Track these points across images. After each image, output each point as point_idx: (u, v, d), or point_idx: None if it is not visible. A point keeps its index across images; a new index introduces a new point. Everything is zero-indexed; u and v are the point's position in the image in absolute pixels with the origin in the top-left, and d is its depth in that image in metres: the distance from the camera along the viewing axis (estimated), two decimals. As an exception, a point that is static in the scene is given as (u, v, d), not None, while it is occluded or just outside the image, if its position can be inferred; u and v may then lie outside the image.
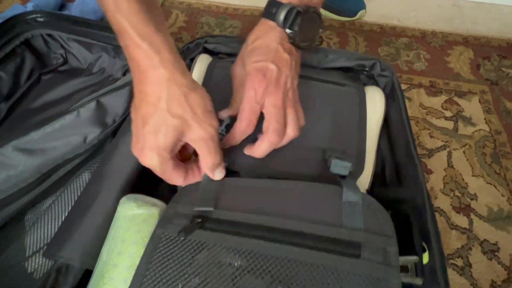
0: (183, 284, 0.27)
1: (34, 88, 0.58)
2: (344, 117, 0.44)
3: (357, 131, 0.42)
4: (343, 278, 0.27)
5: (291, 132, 0.36)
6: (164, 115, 0.29)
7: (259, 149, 0.35)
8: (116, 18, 0.29)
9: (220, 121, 0.37)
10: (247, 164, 0.38)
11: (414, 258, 0.31)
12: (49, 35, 0.59)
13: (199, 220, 0.30)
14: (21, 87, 0.57)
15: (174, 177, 0.32)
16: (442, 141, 0.64)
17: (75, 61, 0.62)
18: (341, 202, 0.31)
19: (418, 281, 0.31)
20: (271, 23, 0.37)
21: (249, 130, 0.35)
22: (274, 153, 0.36)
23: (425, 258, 0.33)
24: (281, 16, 0.36)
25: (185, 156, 0.36)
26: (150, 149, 0.30)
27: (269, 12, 0.38)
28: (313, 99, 0.44)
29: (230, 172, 0.36)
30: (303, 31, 0.37)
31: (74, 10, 0.77)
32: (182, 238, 0.29)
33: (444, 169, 0.60)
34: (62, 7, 0.83)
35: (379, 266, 0.28)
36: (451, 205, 0.57)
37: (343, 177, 0.35)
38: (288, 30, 0.37)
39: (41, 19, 0.58)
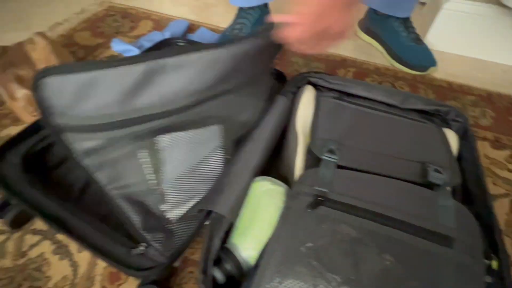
0: (313, 242, 0.37)
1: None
2: (431, 140, 0.52)
3: (446, 151, 0.50)
4: (435, 260, 0.35)
5: None
6: None
7: None
8: None
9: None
10: (357, 163, 0.46)
11: (485, 260, 0.38)
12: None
13: (321, 199, 0.40)
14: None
15: None
16: (505, 189, 0.70)
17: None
18: (437, 204, 0.39)
19: (488, 279, 0.38)
20: None
21: None
22: (380, 159, 0.46)
23: (493, 265, 0.39)
24: None
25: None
26: None
27: None
28: (403, 128, 0.54)
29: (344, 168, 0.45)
30: None
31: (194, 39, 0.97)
32: (309, 210, 0.39)
33: (506, 214, 0.66)
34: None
35: (467, 256, 0.35)
36: (512, 247, 0.61)
37: (437, 185, 0.43)
38: None
39: (182, 43, 0.76)
